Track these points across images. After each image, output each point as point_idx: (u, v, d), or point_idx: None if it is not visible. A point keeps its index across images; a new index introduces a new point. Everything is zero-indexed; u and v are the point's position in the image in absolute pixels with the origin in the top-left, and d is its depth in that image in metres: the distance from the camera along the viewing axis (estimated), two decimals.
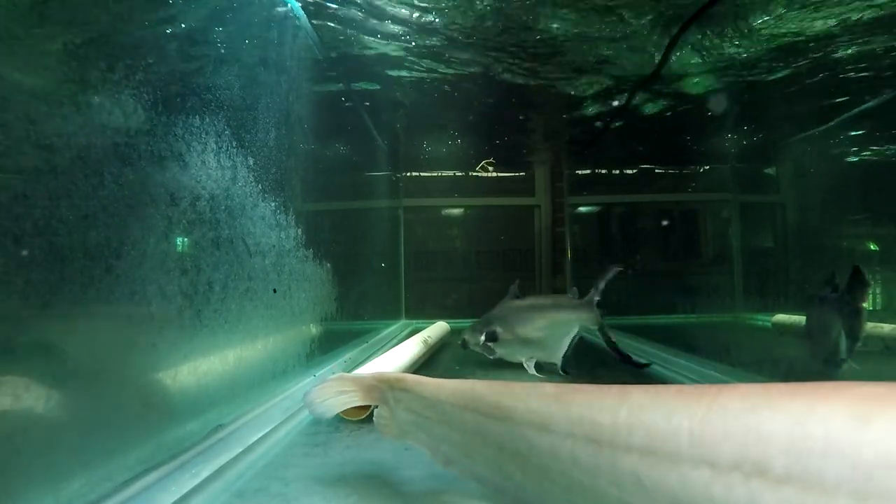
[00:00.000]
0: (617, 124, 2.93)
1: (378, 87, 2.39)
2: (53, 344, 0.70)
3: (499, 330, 1.80)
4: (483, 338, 1.79)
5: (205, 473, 0.82)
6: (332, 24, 1.82)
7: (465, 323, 2.09)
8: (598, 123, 2.84)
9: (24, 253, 0.64)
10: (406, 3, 1.71)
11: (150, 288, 0.88)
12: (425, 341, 2.01)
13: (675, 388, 0.36)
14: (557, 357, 1.77)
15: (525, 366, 1.77)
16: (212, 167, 1.07)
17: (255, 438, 1.01)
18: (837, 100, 2.56)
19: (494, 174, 4.04)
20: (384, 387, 0.74)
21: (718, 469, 0.28)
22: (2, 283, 0.63)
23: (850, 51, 2.02)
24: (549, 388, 0.47)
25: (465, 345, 1.87)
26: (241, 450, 0.95)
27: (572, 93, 2.50)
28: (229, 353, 1.17)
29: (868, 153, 3.10)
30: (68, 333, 0.72)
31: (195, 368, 1.02)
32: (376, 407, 0.77)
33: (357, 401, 0.77)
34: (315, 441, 1.04)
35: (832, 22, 1.81)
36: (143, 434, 0.86)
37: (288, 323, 1.49)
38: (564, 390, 0.45)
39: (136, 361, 0.86)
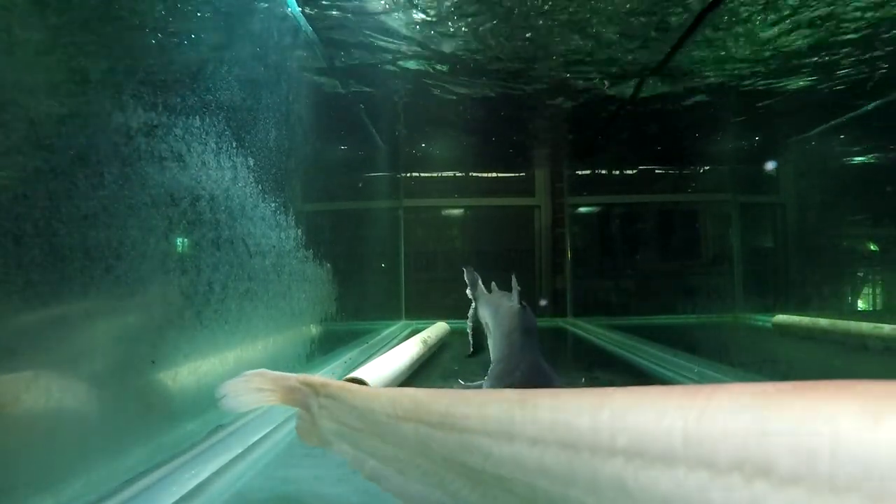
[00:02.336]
0: (618, 122, 2.93)
1: (378, 87, 2.39)
2: (53, 344, 0.69)
3: None
4: None
5: (205, 473, 0.82)
6: (331, 25, 1.82)
7: (465, 323, 2.08)
8: (608, 107, 2.79)
9: (24, 253, 0.64)
10: (406, 8, 1.71)
11: (151, 288, 0.88)
12: (425, 342, 2.01)
13: (663, 388, 0.34)
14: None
15: None
16: (212, 167, 1.07)
17: (255, 438, 1.01)
18: (838, 101, 2.57)
19: (494, 174, 4.04)
20: (308, 391, 0.68)
21: (717, 470, 0.27)
22: (2, 283, 0.62)
23: (851, 59, 2.03)
24: (511, 394, 0.43)
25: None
26: (241, 450, 0.95)
27: (573, 96, 2.51)
28: (229, 353, 1.17)
29: (868, 154, 3.10)
30: (68, 333, 0.72)
31: (195, 368, 1.02)
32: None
33: (274, 400, 0.70)
34: None
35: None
36: (144, 434, 0.86)
37: (288, 323, 1.49)
38: (529, 395, 0.41)
39: (136, 362, 0.86)
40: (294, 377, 0.70)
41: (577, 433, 0.35)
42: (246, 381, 0.68)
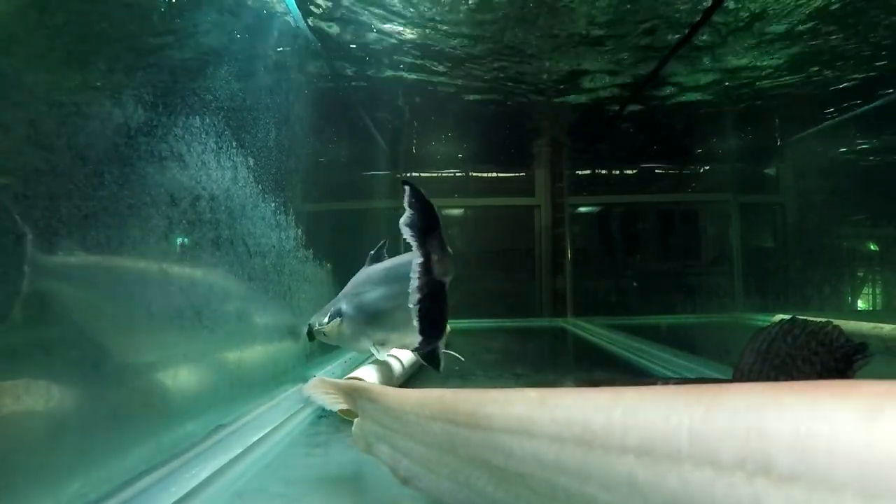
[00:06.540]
0: (619, 122, 2.93)
1: (378, 87, 2.39)
2: (53, 344, 0.69)
3: (344, 306, 1.35)
4: (327, 319, 1.33)
5: (205, 473, 0.82)
6: (332, 26, 1.82)
7: (466, 323, 2.07)
8: (608, 108, 2.77)
9: (24, 252, 0.64)
10: (406, 9, 1.71)
11: (151, 288, 0.88)
12: None
13: (672, 387, 0.35)
14: (416, 337, 1.19)
15: (373, 351, 1.33)
16: (212, 167, 1.07)
17: (255, 438, 1.01)
18: (838, 100, 2.57)
19: (494, 174, 4.04)
20: (356, 395, 0.72)
21: (721, 469, 0.27)
22: (1, 283, 0.62)
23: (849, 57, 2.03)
24: (533, 393, 0.44)
25: (310, 335, 1.40)
26: (241, 450, 0.95)
27: (574, 94, 2.51)
28: (229, 353, 1.17)
29: (868, 153, 3.10)
30: (68, 333, 0.72)
31: (195, 368, 1.02)
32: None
33: (341, 405, 0.76)
34: (316, 441, 1.04)
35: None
36: (144, 434, 0.86)
37: (288, 323, 1.49)
38: (550, 393, 0.43)
39: (136, 361, 0.86)
40: (344, 383, 0.76)
41: (592, 431, 0.36)
42: (314, 386, 0.77)
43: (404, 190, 1.11)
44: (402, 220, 1.08)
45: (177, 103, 0.96)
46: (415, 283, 1.08)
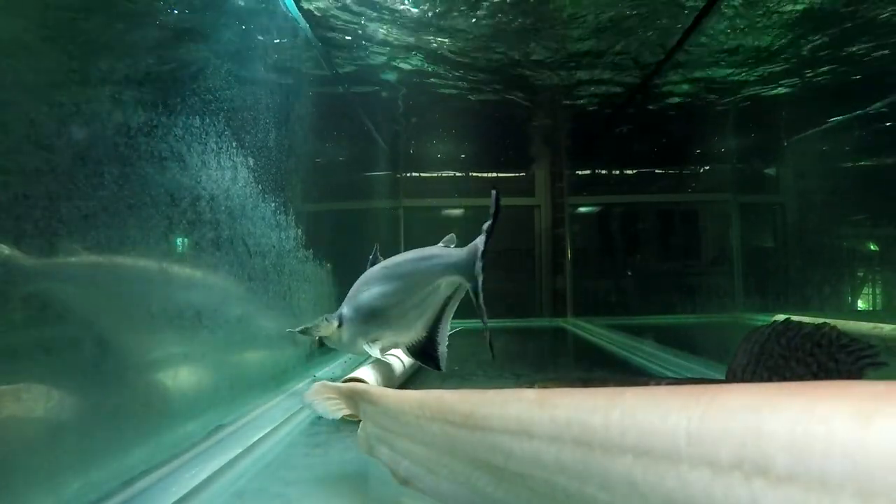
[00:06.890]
0: (618, 122, 2.93)
1: (379, 88, 2.39)
2: (53, 344, 0.69)
3: (345, 310, 1.33)
4: (336, 322, 1.31)
5: (205, 473, 0.82)
6: (333, 26, 1.82)
7: (465, 323, 2.07)
8: (608, 107, 2.79)
9: (24, 252, 0.64)
10: (408, 11, 1.71)
11: (151, 288, 0.88)
12: None
13: (670, 387, 0.36)
14: (411, 335, 1.28)
15: (366, 349, 1.30)
16: (212, 167, 1.07)
17: (255, 439, 1.01)
18: (838, 100, 2.57)
19: (494, 174, 4.04)
20: (357, 398, 0.72)
21: (718, 469, 0.27)
22: (1, 283, 0.63)
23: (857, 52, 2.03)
24: (531, 394, 0.45)
25: (320, 341, 1.37)
26: (241, 450, 0.95)
27: (574, 94, 2.51)
28: (229, 353, 1.17)
29: (868, 154, 3.10)
30: (68, 333, 0.72)
31: (195, 368, 1.02)
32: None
33: (343, 410, 0.76)
34: (315, 441, 1.04)
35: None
36: (143, 434, 0.86)
37: (288, 323, 1.49)
38: (548, 394, 0.43)
39: (136, 361, 0.86)
40: (345, 386, 0.75)
41: (591, 431, 0.36)
42: (316, 392, 0.77)
43: (491, 195, 1.26)
44: (485, 226, 1.29)
45: (177, 103, 0.96)
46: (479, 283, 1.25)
